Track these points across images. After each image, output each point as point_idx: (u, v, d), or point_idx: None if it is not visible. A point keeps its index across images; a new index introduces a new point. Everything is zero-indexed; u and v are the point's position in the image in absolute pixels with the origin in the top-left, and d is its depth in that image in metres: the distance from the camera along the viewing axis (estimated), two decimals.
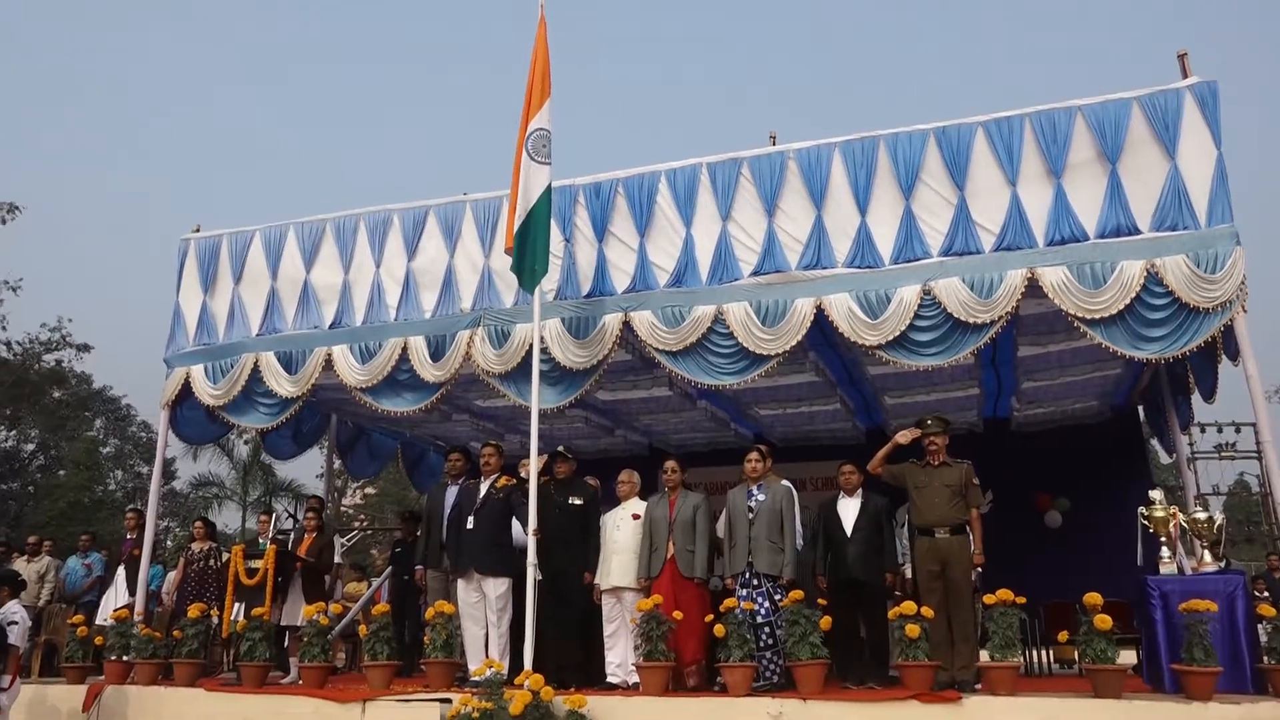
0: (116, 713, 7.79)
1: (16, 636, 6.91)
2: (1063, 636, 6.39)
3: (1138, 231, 6.39)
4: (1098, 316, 6.33)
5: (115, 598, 9.76)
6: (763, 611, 6.59)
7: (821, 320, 6.97)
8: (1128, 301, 6.25)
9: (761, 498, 6.89)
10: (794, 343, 6.98)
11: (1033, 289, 6.50)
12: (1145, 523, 6.62)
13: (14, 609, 7.09)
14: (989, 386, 9.55)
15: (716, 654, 6.36)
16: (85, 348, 35.62)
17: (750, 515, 6.82)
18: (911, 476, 6.85)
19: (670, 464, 7.27)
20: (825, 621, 6.11)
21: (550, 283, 7.54)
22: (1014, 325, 7.25)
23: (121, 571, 10.06)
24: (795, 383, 9.06)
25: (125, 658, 8.14)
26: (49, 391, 34.99)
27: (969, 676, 6.21)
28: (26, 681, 7.92)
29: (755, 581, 6.69)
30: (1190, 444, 10.27)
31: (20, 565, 10.69)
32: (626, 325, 7.40)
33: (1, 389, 33.91)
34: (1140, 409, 10.40)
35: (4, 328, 35.59)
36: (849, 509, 7.00)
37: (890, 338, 6.73)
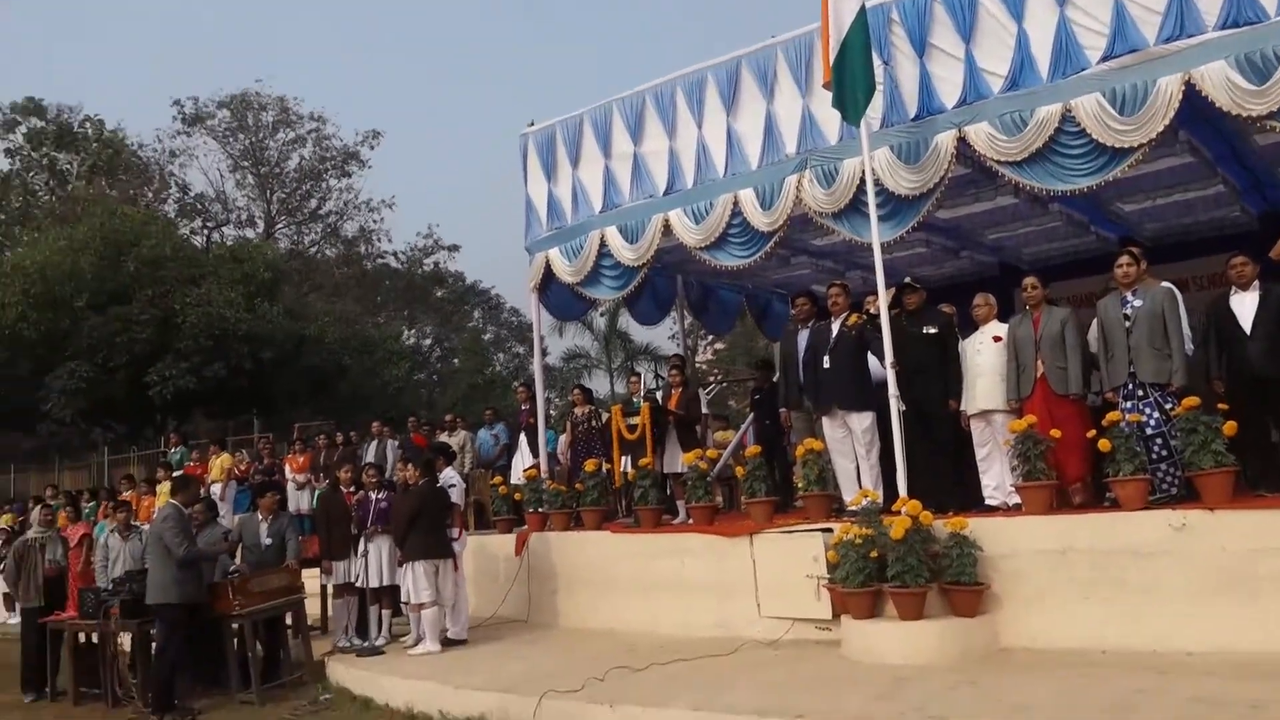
0: (542, 555, 9.10)
1: (457, 496, 8.25)
2: None
3: None
4: None
5: (522, 460, 11.20)
6: (1152, 423, 6.18)
7: (1193, 96, 6.11)
8: None
9: (1138, 303, 6.35)
10: (1160, 129, 6.20)
11: None
12: None
13: (451, 475, 8.43)
14: None
15: (1104, 470, 6.10)
16: (454, 248, 40.10)
17: (1127, 324, 6.33)
18: None
19: (1029, 280, 6.92)
20: (1229, 427, 5.63)
21: (874, 111, 7.24)
22: None
23: (523, 438, 11.50)
24: (1165, 168, 8.05)
25: (540, 509, 9.40)
26: (433, 292, 39.96)
27: None
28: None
29: (1140, 392, 6.26)
30: None
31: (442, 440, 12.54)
32: (961, 141, 6.98)
33: (397, 294, 39.23)
34: None
35: (390, 240, 40.80)
36: (1245, 304, 6.28)
37: None
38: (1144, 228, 9.98)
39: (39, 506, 11.48)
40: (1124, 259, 6.54)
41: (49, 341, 23.00)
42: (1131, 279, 6.49)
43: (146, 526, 9.30)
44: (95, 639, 8.55)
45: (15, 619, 10.79)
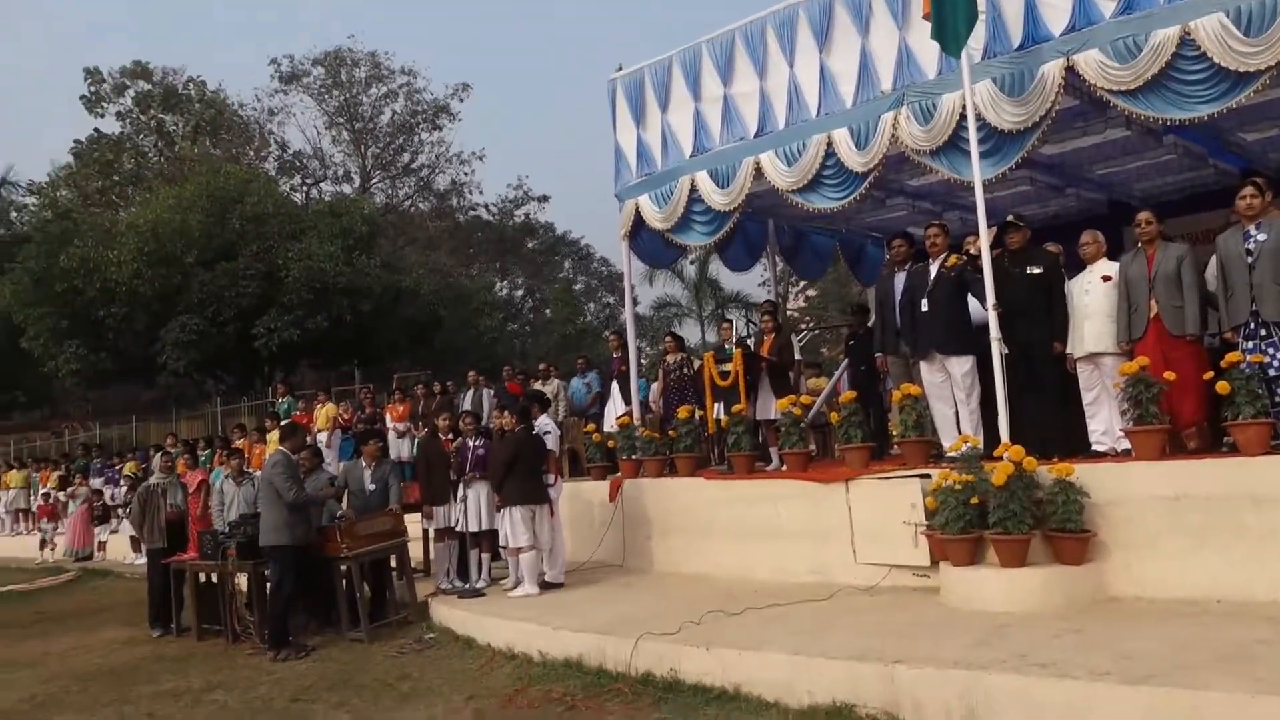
0: (635, 501, 9.18)
1: (553, 443, 8.36)
2: None
3: None
4: None
5: (614, 408, 11.28)
6: (1276, 364, 5.84)
7: None
8: None
9: (1263, 237, 5.98)
10: None
11: None
12: None
13: (546, 422, 8.54)
14: None
15: (1222, 414, 5.81)
16: (544, 199, 40.34)
17: (1250, 259, 5.97)
18: None
19: (1144, 215, 6.57)
20: None
21: (975, 41, 6.92)
22: None
23: (615, 386, 11.57)
24: None
25: (634, 456, 9.47)
26: (524, 243, 40.39)
27: None
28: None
29: (1263, 331, 5.92)
30: None
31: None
32: (1069, 71, 6.62)
33: (489, 246, 39.74)
34: None
35: (481, 192, 41.23)
36: None
37: None
38: (1269, 158, 9.36)
39: (159, 454, 12.12)
40: (1248, 189, 6.14)
41: (163, 297, 24.08)
42: (1256, 211, 6.09)
43: (258, 473, 9.71)
44: (214, 578, 9.02)
45: (142, 559, 11.48)
